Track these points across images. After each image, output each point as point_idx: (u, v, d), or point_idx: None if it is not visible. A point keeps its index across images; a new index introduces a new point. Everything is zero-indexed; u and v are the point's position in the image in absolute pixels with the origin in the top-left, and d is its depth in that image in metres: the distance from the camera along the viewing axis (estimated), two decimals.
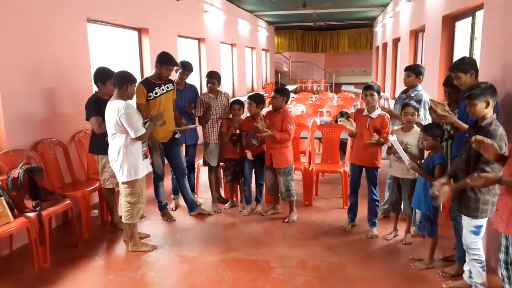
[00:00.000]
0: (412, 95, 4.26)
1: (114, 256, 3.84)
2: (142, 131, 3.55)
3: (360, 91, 7.15)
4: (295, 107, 8.01)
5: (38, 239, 3.48)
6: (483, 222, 2.95)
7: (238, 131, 4.64)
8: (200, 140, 5.17)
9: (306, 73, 22.28)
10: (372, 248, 3.91)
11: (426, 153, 3.75)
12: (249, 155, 4.57)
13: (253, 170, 4.79)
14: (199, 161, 5.19)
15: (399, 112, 4.02)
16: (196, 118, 4.91)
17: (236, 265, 3.59)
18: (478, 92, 2.71)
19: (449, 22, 5.66)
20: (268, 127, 4.35)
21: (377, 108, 3.99)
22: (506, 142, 2.70)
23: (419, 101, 4.11)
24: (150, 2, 6.65)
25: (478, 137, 2.42)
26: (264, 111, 4.94)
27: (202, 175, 5.47)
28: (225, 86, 11.02)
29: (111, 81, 3.81)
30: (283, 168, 4.44)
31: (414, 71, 4.27)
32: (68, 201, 3.84)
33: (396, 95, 6.45)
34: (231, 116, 4.75)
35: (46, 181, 3.91)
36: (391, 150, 3.79)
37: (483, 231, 2.98)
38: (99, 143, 3.97)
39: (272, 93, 4.47)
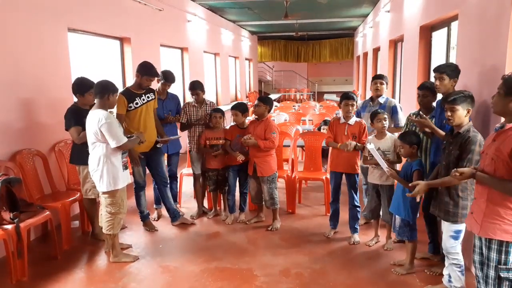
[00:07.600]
0: (382, 101, 4.45)
1: (95, 268, 3.78)
2: (124, 140, 3.53)
3: None
4: (278, 116, 8.06)
5: (16, 251, 3.40)
6: (462, 227, 3.02)
7: (221, 141, 4.64)
8: (183, 149, 5.16)
9: (289, 82, 22.52)
10: (354, 254, 3.95)
11: (403, 159, 3.83)
12: (240, 158, 4.51)
13: (237, 178, 4.80)
14: (181, 170, 5.16)
15: (366, 119, 4.27)
16: (178, 125, 4.90)
17: (219, 274, 3.58)
18: (463, 99, 2.84)
19: (426, 32, 5.81)
20: (252, 135, 4.37)
21: (353, 116, 4.08)
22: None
23: (394, 107, 4.34)
24: (132, 11, 6.64)
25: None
26: (247, 120, 4.97)
27: (185, 184, 5.44)
28: (209, 95, 11.02)
29: (90, 92, 3.78)
30: (266, 176, 4.46)
31: (386, 81, 4.49)
32: (47, 213, 3.78)
33: None
34: (211, 124, 4.70)
35: (25, 192, 3.83)
36: (367, 160, 3.87)
37: (462, 236, 3.06)
38: (80, 154, 3.93)
39: (256, 101, 4.51)
